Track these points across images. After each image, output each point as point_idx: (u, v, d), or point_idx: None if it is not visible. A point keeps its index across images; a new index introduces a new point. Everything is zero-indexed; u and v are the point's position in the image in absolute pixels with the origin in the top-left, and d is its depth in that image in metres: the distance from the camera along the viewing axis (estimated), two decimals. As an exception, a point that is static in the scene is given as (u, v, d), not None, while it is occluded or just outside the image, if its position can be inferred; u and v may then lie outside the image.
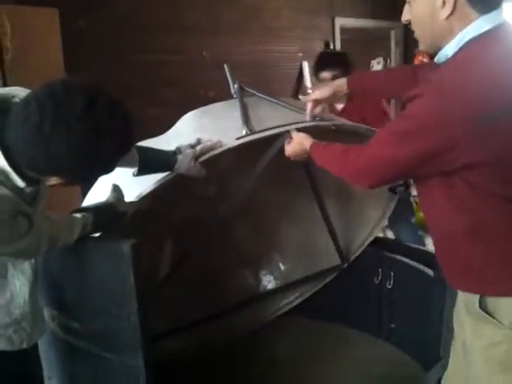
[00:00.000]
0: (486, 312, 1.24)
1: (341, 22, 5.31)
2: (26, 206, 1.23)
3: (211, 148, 1.56)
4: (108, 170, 1.22)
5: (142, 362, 1.39)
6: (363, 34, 5.90)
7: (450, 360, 1.48)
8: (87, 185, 1.73)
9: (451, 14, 1.14)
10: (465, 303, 1.33)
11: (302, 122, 1.67)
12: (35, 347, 1.45)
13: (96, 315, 1.47)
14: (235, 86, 1.84)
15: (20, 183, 1.17)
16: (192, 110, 2.98)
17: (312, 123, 1.68)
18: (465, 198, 1.20)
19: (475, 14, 1.14)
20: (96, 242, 1.45)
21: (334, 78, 2.54)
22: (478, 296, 1.25)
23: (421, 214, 3.01)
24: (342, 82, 1.66)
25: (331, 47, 5.28)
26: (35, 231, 1.23)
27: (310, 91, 5.01)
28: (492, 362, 1.25)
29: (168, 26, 3.90)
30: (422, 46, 1.28)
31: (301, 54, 4.77)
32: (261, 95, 1.82)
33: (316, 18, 5.06)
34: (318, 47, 5.06)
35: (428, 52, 1.30)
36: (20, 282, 1.34)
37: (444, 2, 1.14)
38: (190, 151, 1.53)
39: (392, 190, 2.11)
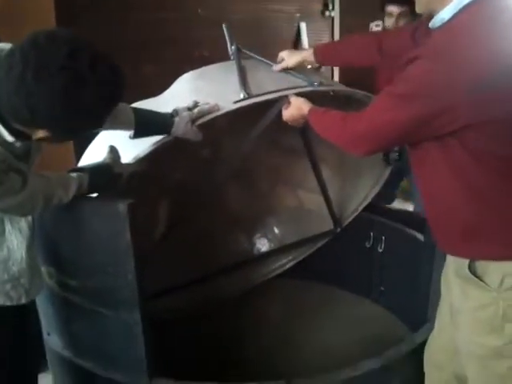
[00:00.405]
0: (475, 275, 1.27)
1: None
2: (18, 161, 1.22)
3: (209, 111, 1.54)
4: (94, 124, 1.20)
5: (139, 317, 1.43)
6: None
7: (436, 322, 1.53)
8: (77, 142, 1.72)
9: None
10: (454, 266, 1.36)
11: (300, 87, 1.65)
12: (34, 303, 1.48)
13: (93, 273, 1.50)
14: (233, 47, 1.81)
15: (8, 137, 1.16)
16: (187, 68, 2.93)
17: (310, 88, 1.66)
18: (460, 159, 1.21)
19: None
20: (92, 202, 1.46)
21: (400, 15, 2.56)
22: (467, 260, 1.28)
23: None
24: (309, 53, 1.69)
25: (330, 8, 5.15)
26: (29, 188, 1.23)
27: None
28: (480, 324, 1.29)
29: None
30: (417, 8, 1.27)
31: (298, 15, 4.66)
32: (258, 57, 1.79)
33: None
34: (316, 8, 4.93)
35: (423, 14, 1.29)
36: (17, 239, 1.36)
37: None
38: (186, 114, 1.51)
39: (386, 161, 2.11)
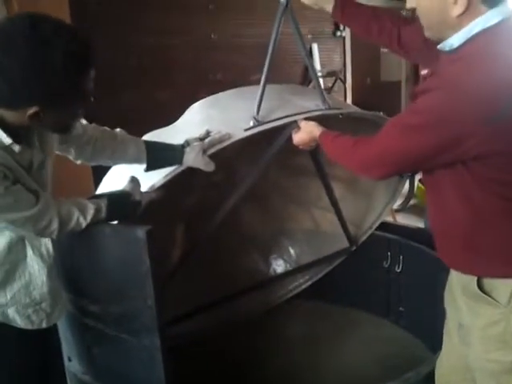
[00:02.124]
0: (484, 292, 1.27)
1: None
2: (22, 170, 1.25)
3: (219, 140, 1.57)
4: (73, 87, 1.20)
5: (159, 342, 1.43)
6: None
7: (444, 342, 1.51)
8: (95, 172, 1.74)
9: (464, 11, 1.13)
10: (460, 285, 1.36)
11: (309, 112, 1.67)
12: (56, 329, 1.50)
13: (113, 299, 1.51)
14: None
15: (6, 139, 1.19)
16: (200, 92, 2.96)
17: (319, 112, 1.67)
18: (467, 185, 1.22)
19: (484, 9, 1.13)
20: (112, 228, 1.47)
21: None
22: (475, 277, 1.28)
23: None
24: (328, 2, 1.58)
25: (341, 28, 5.21)
26: (42, 203, 1.26)
27: (319, 74, 4.99)
28: (491, 340, 1.29)
29: (177, 8, 3.87)
30: (426, 33, 1.27)
31: (310, 36, 4.72)
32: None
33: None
34: (328, 29, 5.00)
35: (431, 38, 1.28)
36: (38, 264, 1.38)
37: (456, 0, 1.12)
38: (197, 144, 1.55)
39: (399, 175, 2.11)
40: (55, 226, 1.30)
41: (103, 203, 1.40)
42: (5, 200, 1.20)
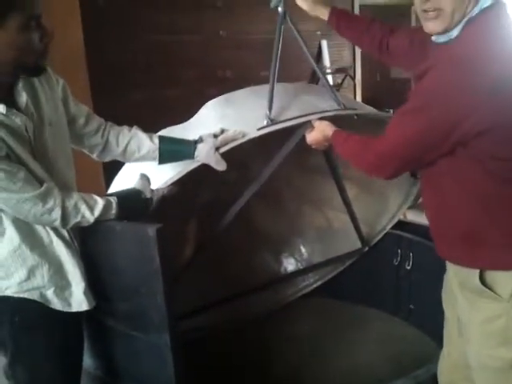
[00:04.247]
0: (485, 286, 1.26)
1: (360, -1, 5.21)
2: (14, 139, 1.25)
3: (233, 138, 1.57)
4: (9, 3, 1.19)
5: (169, 339, 1.44)
6: (383, 10, 5.78)
7: (444, 340, 1.51)
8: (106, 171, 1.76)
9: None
10: (457, 279, 1.35)
11: (323, 112, 1.66)
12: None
13: (123, 295, 1.53)
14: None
15: None
16: (209, 89, 2.94)
17: (334, 113, 1.67)
18: (466, 168, 1.22)
19: None
20: (123, 226, 1.48)
21: None
22: (476, 270, 1.27)
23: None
24: (323, 11, 1.64)
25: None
26: (45, 187, 1.27)
27: (328, 71, 4.96)
28: (491, 336, 1.28)
29: (186, 5, 3.87)
30: (444, 24, 1.23)
31: (319, 33, 4.70)
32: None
33: (335, -7, 4.97)
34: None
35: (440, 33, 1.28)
36: (65, 249, 1.41)
37: None
38: (210, 140, 1.55)
39: (414, 175, 2.09)
40: (56, 215, 1.30)
41: (113, 200, 1.41)
42: None
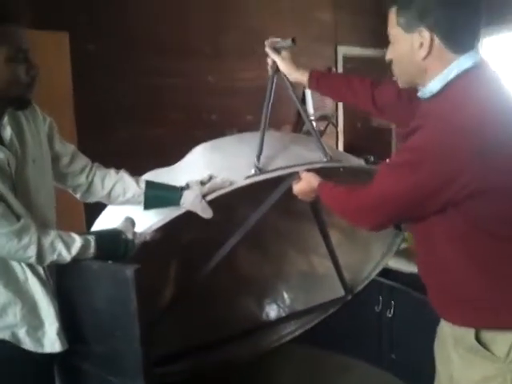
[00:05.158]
0: (481, 344, 1.23)
1: (343, 50, 5.40)
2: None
3: (220, 186, 1.57)
4: None
5: (144, 385, 1.38)
6: (366, 62, 5.99)
7: None
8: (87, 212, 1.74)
9: (428, 54, 1.21)
10: (452, 337, 1.32)
11: (310, 163, 1.67)
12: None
13: (99, 338, 1.47)
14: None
15: None
16: (195, 131, 2.95)
17: (320, 165, 1.68)
18: (461, 229, 1.21)
19: (451, 55, 1.20)
20: (100, 265, 1.45)
21: None
22: (472, 329, 1.25)
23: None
24: (304, 76, 1.67)
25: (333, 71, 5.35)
26: (22, 223, 1.25)
27: (312, 118, 5.07)
28: None
29: (174, 50, 3.97)
30: (399, 83, 1.34)
31: (304, 82, 4.84)
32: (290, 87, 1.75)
33: (320, 45, 5.14)
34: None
35: (404, 88, 1.36)
36: (40, 287, 1.38)
37: (421, 44, 1.20)
38: (197, 188, 1.55)
39: (397, 227, 2.09)
40: (31, 253, 1.27)
41: (92, 239, 1.38)
42: None
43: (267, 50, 1.71)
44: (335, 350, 2.50)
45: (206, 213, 1.56)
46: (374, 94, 1.57)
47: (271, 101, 1.72)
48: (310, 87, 1.69)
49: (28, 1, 2.92)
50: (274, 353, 2.40)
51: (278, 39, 1.71)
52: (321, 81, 1.68)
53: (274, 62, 1.70)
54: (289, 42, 1.67)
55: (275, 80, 1.73)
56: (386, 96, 1.53)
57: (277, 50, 1.70)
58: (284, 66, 1.69)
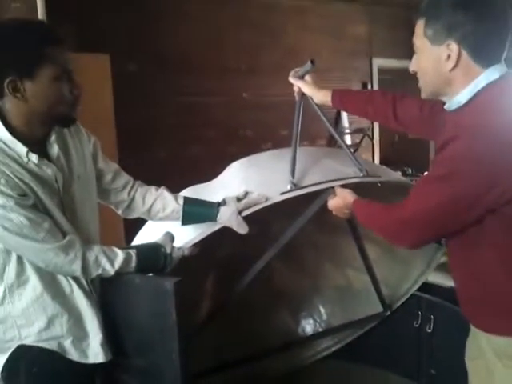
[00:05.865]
0: None
1: (378, 62, 5.39)
2: (32, 178, 1.29)
3: (255, 202, 1.59)
4: (41, 59, 1.29)
5: (183, 400, 1.41)
6: (401, 74, 5.93)
7: None
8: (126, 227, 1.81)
9: (455, 67, 1.21)
10: (492, 348, 1.29)
11: (346, 178, 1.67)
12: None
13: (139, 350, 1.51)
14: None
15: (21, 148, 1.28)
16: (230, 147, 2.98)
17: (356, 180, 1.67)
18: (499, 236, 1.20)
19: (478, 68, 1.20)
20: (142, 278, 1.49)
21: None
22: None
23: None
24: (327, 95, 1.70)
25: (368, 87, 5.34)
26: (68, 239, 1.31)
27: (347, 131, 5.06)
28: None
29: (211, 69, 4.08)
30: (423, 94, 1.34)
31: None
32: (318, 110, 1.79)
33: (354, 59, 5.16)
34: (355, 87, 5.12)
35: (427, 99, 1.37)
36: (85, 299, 1.43)
37: (449, 56, 1.21)
38: (233, 204, 1.57)
39: (438, 242, 2.04)
40: (77, 267, 1.33)
41: (133, 253, 1.43)
42: (19, 219, 1.25)
43: (290, 79, 1.77)
44: (373, 365, 2.45)
45: (242, 228, 1.59)
46: (395, 107, 1.57)
47: (299, 124, 1.76)
48: (333, 105, 1.73)
49: (72, 25, 3.09)
50: (310, 368, 2.38)
51: (299, 68, 1.77)
52: (343, 98, 1.70)
53: (299, 88, 1.75)
54: (309, 65, 1.72)
55: (302, 104, 1.78)
56: (409, 109, 1.53)
57: (301, 77, 1.76)
58: (308, 90, 1.73)
